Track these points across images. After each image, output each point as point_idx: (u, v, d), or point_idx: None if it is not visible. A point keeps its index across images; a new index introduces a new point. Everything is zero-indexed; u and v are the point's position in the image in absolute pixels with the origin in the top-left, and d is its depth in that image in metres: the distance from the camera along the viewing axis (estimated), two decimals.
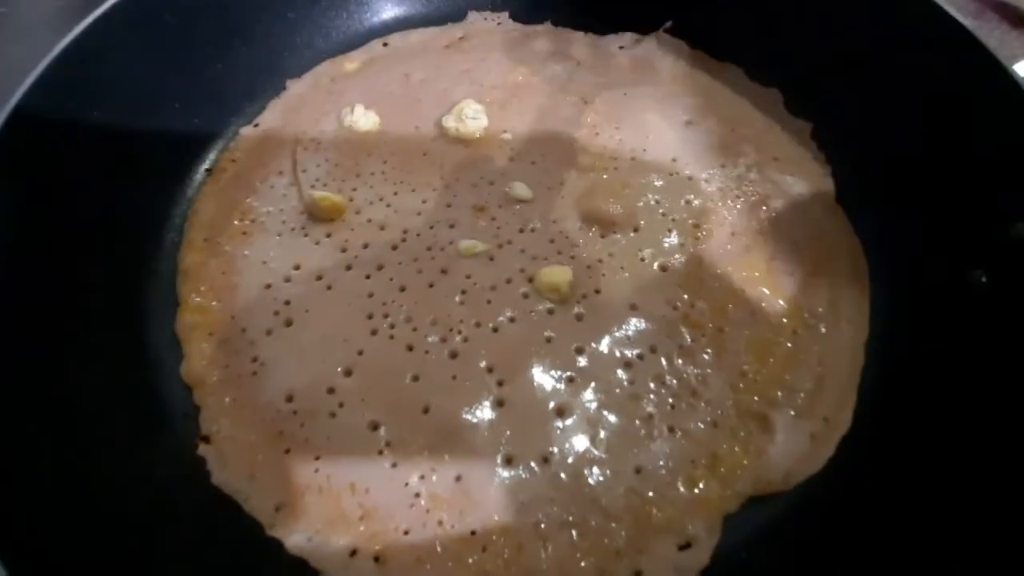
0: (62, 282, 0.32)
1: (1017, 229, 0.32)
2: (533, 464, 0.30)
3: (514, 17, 0.47)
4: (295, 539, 0.28)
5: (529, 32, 0.46)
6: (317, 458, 0.30)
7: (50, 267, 0.32)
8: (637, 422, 0.31)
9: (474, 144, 0.40)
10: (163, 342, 0.34)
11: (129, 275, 0.35)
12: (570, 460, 0.30)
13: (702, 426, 0.31)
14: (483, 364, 0.32)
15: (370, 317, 0.34)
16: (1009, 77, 0.33)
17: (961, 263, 0.33)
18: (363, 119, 0.41)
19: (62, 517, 0.25)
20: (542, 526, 0.29)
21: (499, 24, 0.47)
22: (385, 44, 0.46)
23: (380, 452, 0.30)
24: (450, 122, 0.41)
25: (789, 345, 0.33)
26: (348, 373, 0.32)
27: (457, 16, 0.47)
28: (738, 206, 0.38)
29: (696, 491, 0.30)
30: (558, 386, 0.32)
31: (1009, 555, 0.24)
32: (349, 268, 0.36)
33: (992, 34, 0.54)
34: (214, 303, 0.35)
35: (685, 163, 0.39)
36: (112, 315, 0.34)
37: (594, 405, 0.31)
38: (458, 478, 0.30)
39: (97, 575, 0.25)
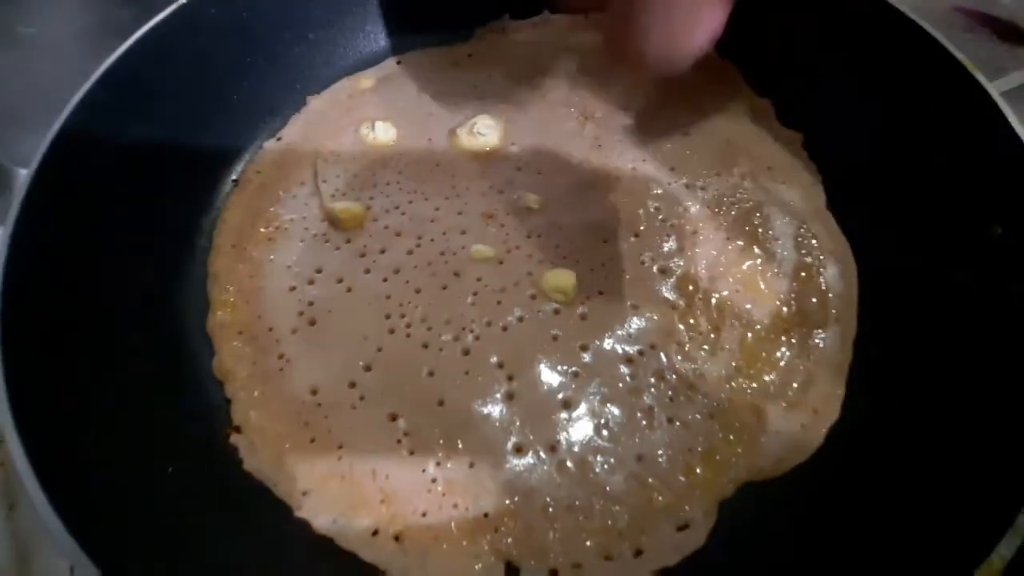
0: (103, 287, 0.35)
1: (995, 231, 0.34)
2: (541, 452, 0.32)
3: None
4: (321, 520, 0.31)
5: (535, 48, 0.48)
6: (340, 447, 0.32)
7: (92, 273, 0.35)
8: (638, 414, 0.33)
9: (483, 156, 0.43)
10: (196, 340, 0.36)
11: (164, 279, 0.38)
12: (576, 449, 0.32)
13: (699, 417, 0.33)
14: (494, 360, 0.34)
15: (388, 317, 0.36)
16: (984, 91, 0.35)
17: (943, 263, 0.36)
18: (383, 133, 0.44)
19: (116, 496, 0.28)
20: (550, 509, 0.31)
21: (505, 40, 0.49)
22: (399, 62, 0.49)
23: (398, 441, 0.32)
24: (463, 135, 0.43)
25: (781, 341, 0.36)
26: (368, 368, 0.35)
27: (465, 36, 0.50)
28: (733, 212, 0.40)
29: (693, 477, 0.32)
30: (564, 380, 0.34)
31: (989, 536, 0.26)
32: (368, 272, 0.38)
33: (982, 47, 0.56)
34: (242, 304, 0.37)
35: (683, 172, 0.42)
36: (149, 316, 0.36)
37: (597, 398, 0.34)
38: (471, 465, 0.32)
39: (144, 552, 0.27)
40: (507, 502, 0.31)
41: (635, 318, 0.36)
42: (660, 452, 0.32)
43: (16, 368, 0.28)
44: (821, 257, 0.39)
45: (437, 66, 0.48)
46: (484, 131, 0.43)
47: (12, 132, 0.49)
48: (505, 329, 0.35)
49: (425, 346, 0.35)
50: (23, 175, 0.33)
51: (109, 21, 0.62)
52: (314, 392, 0.34)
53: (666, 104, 0.45)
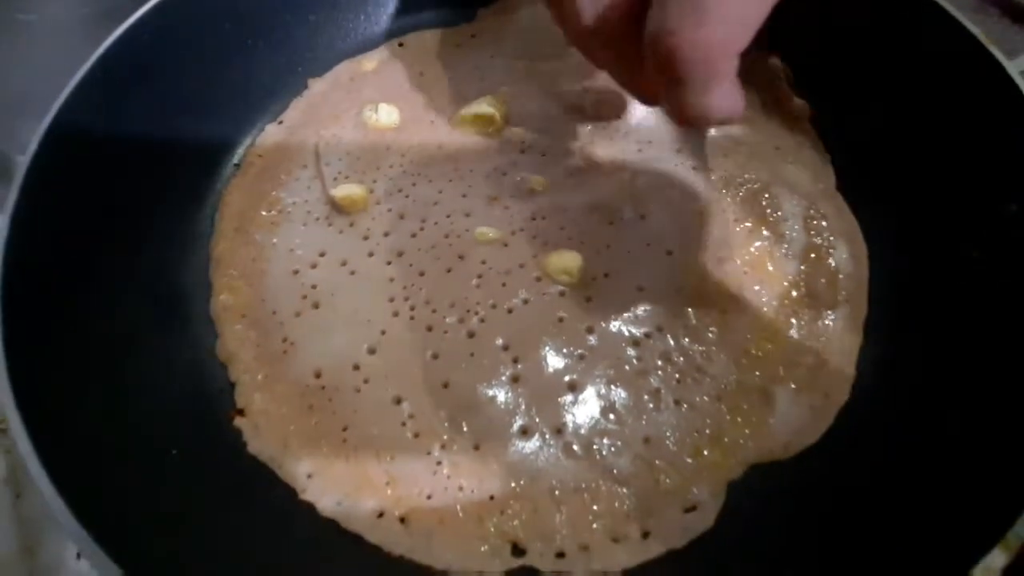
0: (105, 272, 0.34)
1: (1010, 209, 0.33)
2: (547, 435, 0.32)
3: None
4: (326, 502, 0.30)
5: (538, 29, 0.48)
6: (344, 429, 0.32)
7: (93, 259, 0.34)
8: (645, 396, 0.33)
9: (487, 138, 0.42)
10: (199, 324, 0.36)
11: (166, 263, 0.37)
12: (582, 431, 0.32)
13: (707, 399, 0.33)
14: (499, 342, 0.34)
15: (392, 300, 0.36)
16: (1000, 67, 0.34)
17: (956, 243, 0.35)
18: (385, 116, 0.43)
19: (120, 478, 0.27)
20: (556, 492, 0.31)
21: (508, 21, 0.48)
22: (401, 44, 0.48)
23: (403, 424, 0.32)
24: (465, 118, 0.43)
25: (791, 323, 0.35)
26: (372, 351, 0.34)
27: (468, 16, 0.49)
28: (740, 193, 0.39)
29: (701, 459, 0.31)
30: (570, 363, 0.34)
31: (1005, 516, 0.25)
32: (371, 255, 0.38)
33: (993, 28, 0.55)
34: (245, 288, 0.37)
35: (688, 153, 0.41)
36: (151, 300, 0.36)
37: (604, 380, 0.33)
38: (477, 447, 0.31)
39: (149, 536, 0.27)
40: (513, 484, 0.31)
41: (641, 300, 0.36)
42: (667, 434, 0.32)
43: (18, 353, 0.28)
44: (831, 238, 0.38)
45: (440, 48, 0.47)
46: (486, 113, 0.43)
47: (13, 120, 0.48)
48: (510, 311, 0.35)
49: (429, 329, 0.35)
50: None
51: (110, 7, 0.61)
52: (318, 375, 0.34)
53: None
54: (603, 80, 0.44)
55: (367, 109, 0.44)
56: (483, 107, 0.43)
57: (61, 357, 0.30)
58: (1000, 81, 0.34)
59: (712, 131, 0.42)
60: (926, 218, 0.37)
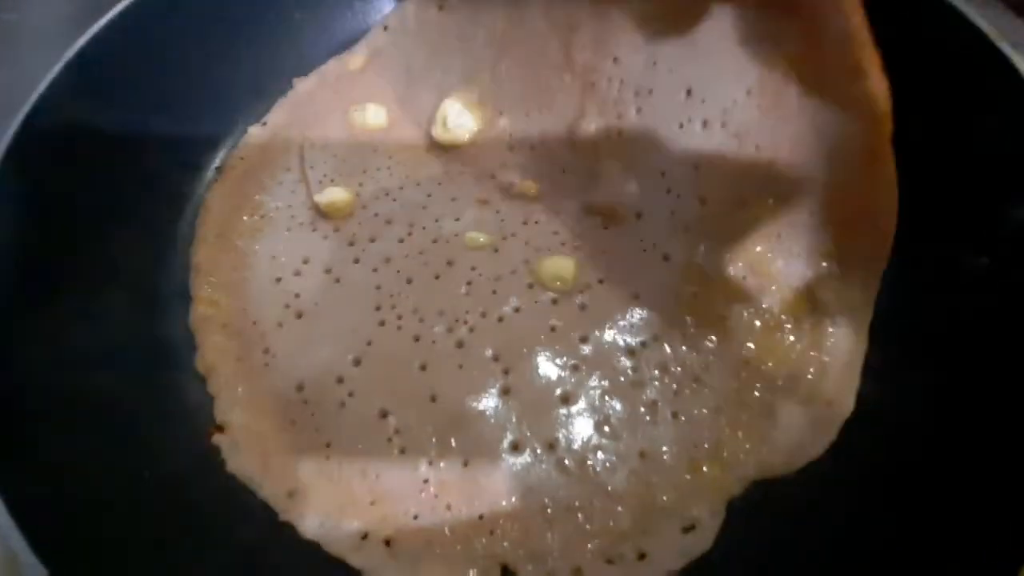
0: (80, 280, 0.33)
1: (1019, 213, 0.32)
2: (539, 450, 0.31)
3: None
4: (308, 523, 0.29)
5: (523, 4, 0.45)
6: (328, 445, 0.31)
7: (68, 266, 0.33)
8: (641, 408, 0.32)
9: (475, 137, 0.41)
10: (178, 335, 0.35)
11: (145, 271, 0.36)
12: (575, 446, 0.31)
13: (705, 412, 0.32)
14: (489, 353, 0.33)
15: (378, 308, 0.34)
16: (1008, 64, 0.33)
17: (965, 247, 0.34)
18: (373, 116, 0.42)
19: (87, 504, 0.26)
20: (548, 510, 0.29)
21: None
22: (385, 28, 0.45)
23: (389, 439, 0.31)
24: (438, 131, 0.40)
25: (791, 329, 0.34)
26: (357, 363, 0.33)
27: None
28: (741, 195, 0.38)
29: (699, 475, 0.30)
30: (563, 374, 0.32)
31: (1006, 539, 0.24)
32: (357, 261, 0.36)
33: (997, 23, 0.54)
34: (226, 297, 0.36)
35: (688, 152, 0.39)
36: (128, 309, 0.35)
37: (598, 392, 0.32)
38: (465, 463, 0.30)
39: (119, 558, 0.26)
40: (503, 503, 0.29)
41: (637, 307, 0.34)
42: (664, 449, 0.31)
43: None
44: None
45: (423, 21, 0.44)
46: (458, 121, 0.40)
47: None
48: (501, 320, 0.34)
49: (417, 339, 0.33)
50: None
51: (92, 6, 0.60)
52: (300, 388, 0.33)
53: (665, 53, 0.39)
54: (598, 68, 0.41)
55: (354, 109, 0.42)
56: (451, 116, 0.40)
57: (29, 367, 0.29)
58: (1008, 78, 0.33)
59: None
60: (934, 222, 0.35)
